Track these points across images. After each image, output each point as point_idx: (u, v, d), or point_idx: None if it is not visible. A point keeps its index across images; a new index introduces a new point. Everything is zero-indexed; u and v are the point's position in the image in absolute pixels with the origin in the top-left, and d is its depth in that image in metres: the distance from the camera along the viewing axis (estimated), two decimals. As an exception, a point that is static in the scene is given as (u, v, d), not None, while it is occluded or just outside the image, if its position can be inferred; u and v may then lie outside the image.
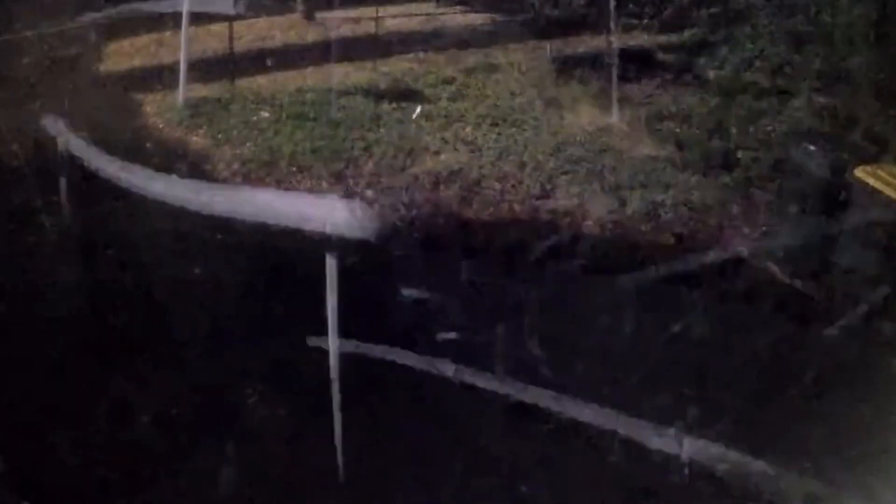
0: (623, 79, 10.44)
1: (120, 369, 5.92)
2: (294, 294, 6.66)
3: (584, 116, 9.77)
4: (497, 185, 8.56)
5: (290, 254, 7.04)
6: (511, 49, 11.10)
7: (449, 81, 10.25)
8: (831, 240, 7.49)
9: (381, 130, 9.21)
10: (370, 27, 10.83)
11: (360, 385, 5.87)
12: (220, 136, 8.96)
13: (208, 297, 6.66)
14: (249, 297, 6.79)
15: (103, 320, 6.29)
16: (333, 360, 5.58)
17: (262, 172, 8.46)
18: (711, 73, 9.74)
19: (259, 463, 5.52)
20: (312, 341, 5.82)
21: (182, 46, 9.25)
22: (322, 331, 5.85)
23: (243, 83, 9.82)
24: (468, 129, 9.38)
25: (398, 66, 10.56)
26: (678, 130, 9.52)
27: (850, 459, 5.59)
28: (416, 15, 11.61)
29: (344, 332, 6.43)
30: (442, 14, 11.84)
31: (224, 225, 7.18)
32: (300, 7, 11.57)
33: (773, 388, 6.43)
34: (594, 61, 10.61)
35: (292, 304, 6.60)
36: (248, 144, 8.84)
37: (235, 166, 8.55)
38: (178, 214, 7.29)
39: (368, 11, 11.09)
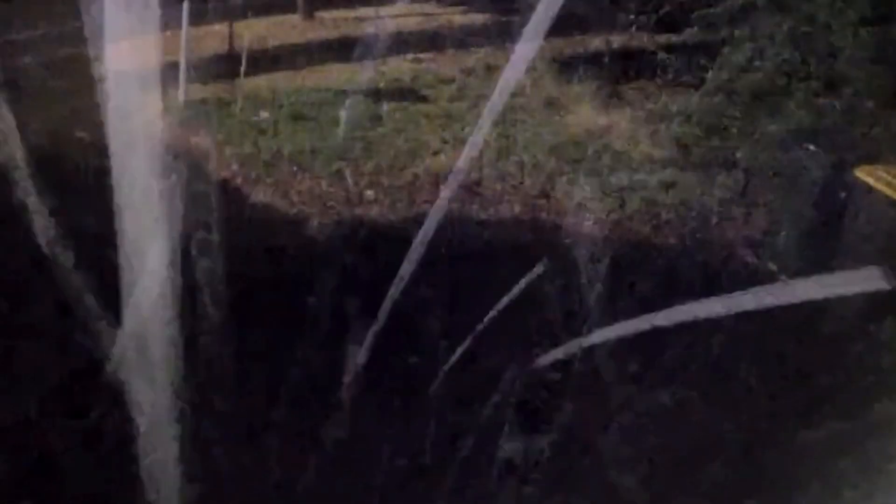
0: (623, 79, 10.45)
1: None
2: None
3: (584, 116, 9.77)
4: (497, 185, 8.55)
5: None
6: (511, 49, 11.08)
7: (449, 81, 10.26)
8: (831, 240, 7.49)
9: (381, 130, 9.22)
10: (370, 27, 10.82)
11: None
12: (220, 136, 8.95)
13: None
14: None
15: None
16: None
17: (262, 172, 8.46)
18: (711, 74, 9.73)
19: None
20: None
21: (182, 46, 9.24)
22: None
23: (243, 83, 9.82)
24: (468, 129, 9.38)
25: (398, 66, 10.56)
26: (678, 130, 9.52)
27: (852, 461, 5.59)
28: (416, 15, 11.62)
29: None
30: (442, 14, 11.85)
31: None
32: (300, 7, 11.58)
33: (772, 387, 6.43)
34: (594, 61, 10.62)
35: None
36: (248, 144, 8.83)
37: (235, 166, 8.55)
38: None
39: (368, 11, 11.10)
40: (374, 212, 8.13)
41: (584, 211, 8.33)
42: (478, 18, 11.78)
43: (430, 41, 11.09)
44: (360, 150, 8.89)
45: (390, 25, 11.10)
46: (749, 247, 8.11)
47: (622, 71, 10.46)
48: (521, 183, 8.62)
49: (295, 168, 8.59)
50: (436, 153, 8.94)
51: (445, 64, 10.69)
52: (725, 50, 9.66)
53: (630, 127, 9.65)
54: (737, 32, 9.66)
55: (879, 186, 7.11)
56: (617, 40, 11.14)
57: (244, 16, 10.84)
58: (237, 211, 7.93)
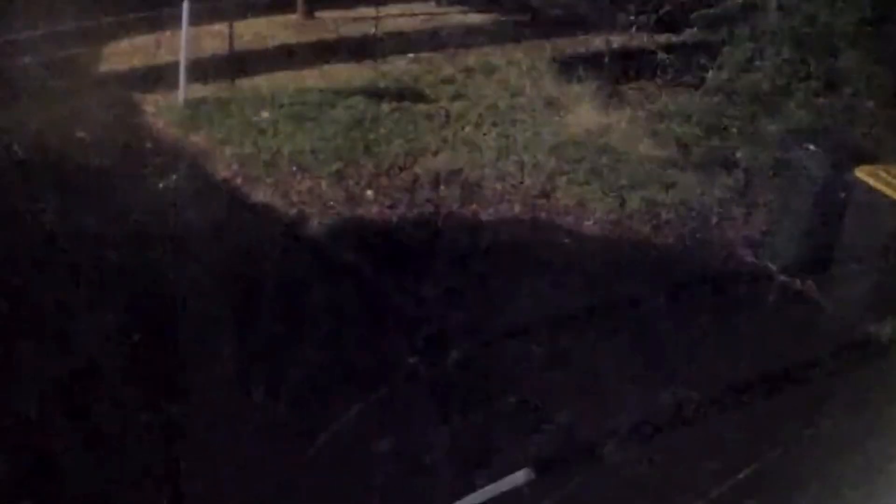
0: (623, 79, 10.45)
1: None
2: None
3: (584, 116, 9.77)
4: (497, 185, 8.56)
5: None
6: (511, 49, 11.12)
7: (449, 81, 10.26)
8: (831, 240, 7.49)
9: (381, 130, 9.22)
10: (370, 27, 10.83)
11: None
12: (220, 136, 8.95)
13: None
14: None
15: (109, 320, 6.28)
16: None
17: (261, 172, 8.45)
18: (711, 74, 9.74)
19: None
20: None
21: (182, 46, 9.25)
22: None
23: (243, 83, 9.82)
24: (468, 129, 9.38)
25: (398, 66, 10.56)
26: (678, 130, 9.53)
27: (850, 462, 5.59)
28: (416, 15, 11.63)
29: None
30: (442, 14, 11.85)
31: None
32: (300, 7, 11.59)
33: (772, 387, 6.43)
34: (594, 61, 10.63)
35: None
36: (248, 144, 8.83)
37: (235, 166, 8.55)
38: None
39: (368, 11, 11.11)
40: (374, 212, 8.13)
41: (584, 211, 8.33)
42: (478, 18, 11.79)
43: (430, 41, 11.09)
44: (360, 150, 8.89)
45: (390, 25, 11.13)
46: (749, 247, 8.11)
47: (622, 71, 10.47)
48: (521, 183, 8.62)
49: (295, 168, 8.58)
50: (436, 153, 8.94)
51: (445, 64, 10.69)
52: (725, 50, 9.67)
53: (630, 127, 9.65)
54: (737, 32, 9.67)
55: (879, 186, 7.10)
56: (617, 40, 11.14)
57: (244, 16, 10.86)
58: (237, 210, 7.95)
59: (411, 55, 10.81)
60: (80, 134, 8.51)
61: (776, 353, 6.72)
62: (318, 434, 5.65)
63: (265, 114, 9.34)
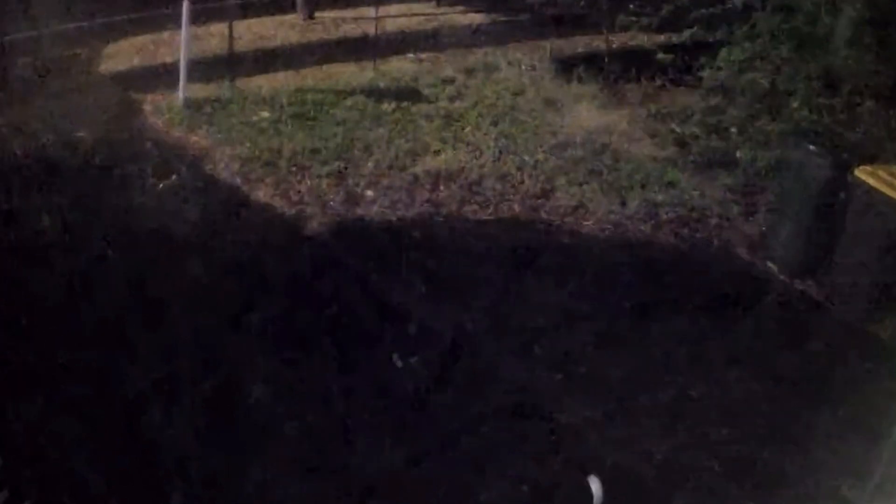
0: (623, 79, 10.46)
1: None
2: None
3: (584, 116, 9.78)
4: (497, 185, 8.55)
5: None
6: (511, 49, 11.12)
7: (449, 81, 10.26)
8: (831, 240, 7.49)
9: (381, 130, 9.22)
10: (370, 27, 10.83)
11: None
12: (220, 136, 8.95)
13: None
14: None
15: (107, 318, 6.27)
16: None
17: (262, 172, 8.45)
18: (711, 73, 9.75)
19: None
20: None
21: (182, 46, 9.24)
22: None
23: (243, 83, 9.82)
24: (468, 129, 9.39)
25: (398, 66, 10.57)
26: (678, 130, 9.54)
27: (850, 462, 5.60)
28: (416, 15, 11.62)
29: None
30: (442, 14, 11.85)
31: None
32: (300, 7, 11.59)
33: (772, 388, 6.44)
34: (594, 61, 10.64)
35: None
36: (247, 144, 8.83)
37: (235, 166, 8.54)
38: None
39: (368, 11, 11.11)
40: (373, 212, 8.13)
41: (584, 211, 8.33)
42: (478, 18, 11.79)
43: (430, 41, 11.10)
44: (360, 150, 8.89)
45: (390, 25, 11.12)
46: (749, 247, 8.12)
47: (622, 71, 10.47)
48: (521, 183, 8.62)
49: (295, 168, 8.58)
50: (436, 153, 8.94)
51: (445, 64, 10.69)
52: (725, 50, 9.67)
53: (630, 127, 9.66)
54: (737, 32, 9.67)
55: (879, 186, 7.10)
56: (617, 40, 11.16)
57: (244, 16, 10.86)
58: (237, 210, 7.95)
59: (411, 55, 10.82)
60: (80, 134, 8.51)
61: (776, 352, 6.73)
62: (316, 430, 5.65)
63: (265, 114, 9.35)
